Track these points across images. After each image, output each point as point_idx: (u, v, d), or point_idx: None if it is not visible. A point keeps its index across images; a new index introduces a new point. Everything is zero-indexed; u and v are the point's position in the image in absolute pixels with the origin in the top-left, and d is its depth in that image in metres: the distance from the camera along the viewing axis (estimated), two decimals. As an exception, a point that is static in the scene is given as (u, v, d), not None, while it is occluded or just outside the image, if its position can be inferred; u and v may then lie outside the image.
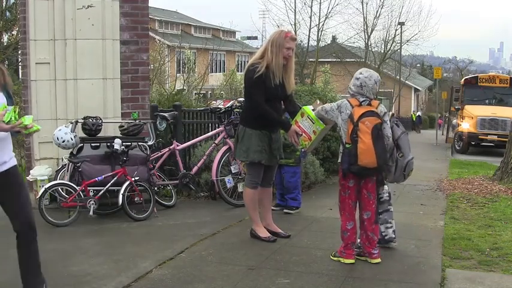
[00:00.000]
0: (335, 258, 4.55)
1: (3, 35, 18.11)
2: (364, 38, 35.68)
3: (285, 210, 6.32)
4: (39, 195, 5.70)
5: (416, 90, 50.81)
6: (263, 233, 5.14)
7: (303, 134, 4.91)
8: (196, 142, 7.43)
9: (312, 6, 31.53)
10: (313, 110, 4.88)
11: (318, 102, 5.27)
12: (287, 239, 5.20)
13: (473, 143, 18.06)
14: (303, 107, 5.04)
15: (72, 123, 6.05)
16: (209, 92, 27.75)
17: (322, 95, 9.57)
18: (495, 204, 7.08)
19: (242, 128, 5.07)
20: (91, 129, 6.05)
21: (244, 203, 5.38)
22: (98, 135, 6.11)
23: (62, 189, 5.89)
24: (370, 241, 4.51)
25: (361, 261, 4.55)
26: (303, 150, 5.19)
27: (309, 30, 31.96)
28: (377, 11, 35.54)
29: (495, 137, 17.45)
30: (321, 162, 8.48)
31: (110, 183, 5.90)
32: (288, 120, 5.12)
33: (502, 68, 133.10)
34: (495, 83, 19.50)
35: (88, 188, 5.82)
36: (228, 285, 4.00)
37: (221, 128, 6.94)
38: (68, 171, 6.08)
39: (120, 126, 6.31)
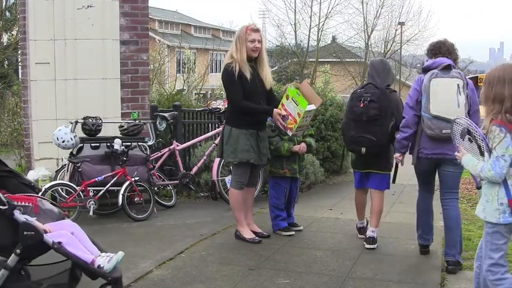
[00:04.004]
0: None
1: (3, 35, 18.13)
2: (364, 38, 35.59)
3: (299, 229, 5.59)
4: (39, 195, 5.69)
5: (416, 90, 50.63)
6: (248, 234, 5.13)
7: (289, 117, 4.83)
8: (196, 142, 7.44)
9: (312, 6, 31.52)
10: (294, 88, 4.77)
11: (306, 80, 5.09)
12: (287, 239, 5.21)
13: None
14: (288, 88, 4.93)
15: (72, 123, 6.04)
16: (209, 92, 27.70)
17: (323, 95, 9.55)
18: (495, 205, 7.07)
19: (228, 128, 5.04)
20: (91, 129, 6.05)
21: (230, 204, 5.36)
22: (98, 135, 6.11)
23: (61, 189, 5.89)
24: None
25: (361, 261, 4.56)
26: (290, 134, 4.97)
27: (309, 30, 31.96)
28: (377, 11, 35.43)
29: None
30: (321, 162, 8.47)
31: (109, 184, 5.90)
32: (271, 107, 5.00)
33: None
34: (495, 83, 19.48)
35: (88, 188, 5.82)
36: (228, 286, 4.00)
37: (221, 128, 6.92)
38: (67, 172, 6.07)
39: (120, 126, 6.30)
